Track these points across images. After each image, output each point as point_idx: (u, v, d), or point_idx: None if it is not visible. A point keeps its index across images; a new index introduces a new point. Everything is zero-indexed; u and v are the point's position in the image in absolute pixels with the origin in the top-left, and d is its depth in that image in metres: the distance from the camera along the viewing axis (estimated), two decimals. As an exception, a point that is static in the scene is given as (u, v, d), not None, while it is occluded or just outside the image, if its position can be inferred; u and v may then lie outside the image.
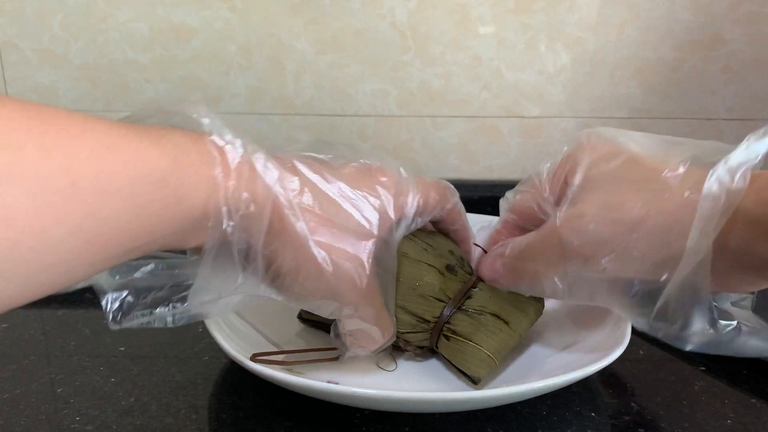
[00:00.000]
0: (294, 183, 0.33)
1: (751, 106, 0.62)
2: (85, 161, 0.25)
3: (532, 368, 0.42)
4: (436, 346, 0.42)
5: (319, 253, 0.33)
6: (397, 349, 0.43)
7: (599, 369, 0.37)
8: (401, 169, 0.39)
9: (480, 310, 0.42)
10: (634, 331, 0.40)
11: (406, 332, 0.42)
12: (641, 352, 0.46)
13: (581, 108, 0.62)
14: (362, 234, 0.35)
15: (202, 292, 0.33)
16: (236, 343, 0.39)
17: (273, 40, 0.59)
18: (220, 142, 0.30)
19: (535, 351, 0.44)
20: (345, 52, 0.60)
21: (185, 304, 0.34)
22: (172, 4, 0.58)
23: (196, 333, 0.46)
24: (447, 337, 0.41)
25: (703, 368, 0.45)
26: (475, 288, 0.43)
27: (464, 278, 0.43)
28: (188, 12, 0.59)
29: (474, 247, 0.45)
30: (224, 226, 0.30)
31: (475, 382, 0.40)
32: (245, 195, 0.30)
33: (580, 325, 0.44)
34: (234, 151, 0.30)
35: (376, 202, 0.36)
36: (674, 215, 0.31)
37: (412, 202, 0.38)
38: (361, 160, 0.38)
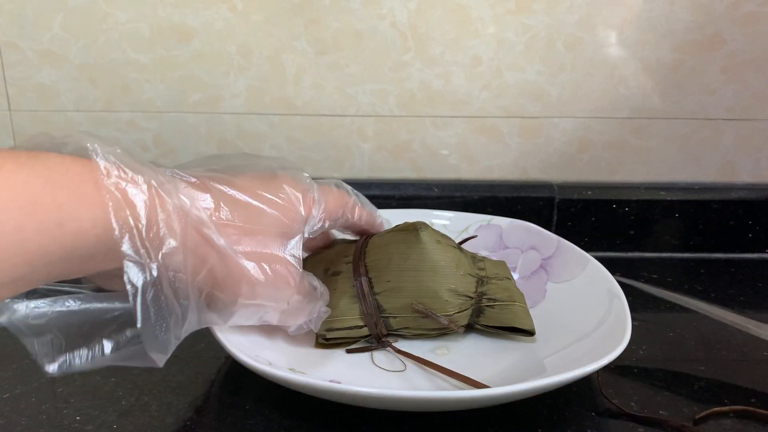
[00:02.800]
0: (207, 201, 0.32)
1: (751, 106, 0.62)
2: None
3: (532, 368, 0.42)
4: (477, 319, 0.45)
5: (249, 264, 0.33)
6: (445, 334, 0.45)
7: (599, 369, 0.37)
8: (304, 174, 0.40)
9: (497, 276, 0.46)
10: (634, 331, 0.40)
11: (456, 312, 0.43)
12: (641, 352, 0.46)
13: (581, 108, 0.62)
14: (285, 234, 0.36)
15: (150, 340, 0.30)
16: (237, 341, 0.39)
17: (273, 40, 0.60)
18: (117, 173, 0.28)
19: (535, 351, 0.44)
20: (345, 52, 0.60)
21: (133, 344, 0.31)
22: (172, 4, 0.58)
23: (197, 333, 0.46)
24: (491, 306, 0.45)
25: (703, 368, 0.45)
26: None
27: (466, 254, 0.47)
28: (188, 12, 0.59)
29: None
30: (150, 270, 0.28)
31: (532, 334, 0.44)
32: (163, 231, 0.29)
33: (580, 325, 0.44)
34: (136, 181, 0.28)
35: (289, 199, 0.37)
36: None
37: (318, 201, 0.39)
38: (264, 165, 0.38)
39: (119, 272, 0.29)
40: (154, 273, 0.29)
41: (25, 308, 0.30)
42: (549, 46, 0.60)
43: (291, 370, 0.39)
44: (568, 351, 0.42)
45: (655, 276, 0.59)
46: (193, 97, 0.61)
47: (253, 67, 0.60)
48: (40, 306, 0.30)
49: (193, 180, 0.33)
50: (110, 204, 0.27)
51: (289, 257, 0.36)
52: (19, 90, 0.60)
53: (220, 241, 0.32)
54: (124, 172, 0.28)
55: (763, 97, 0.62)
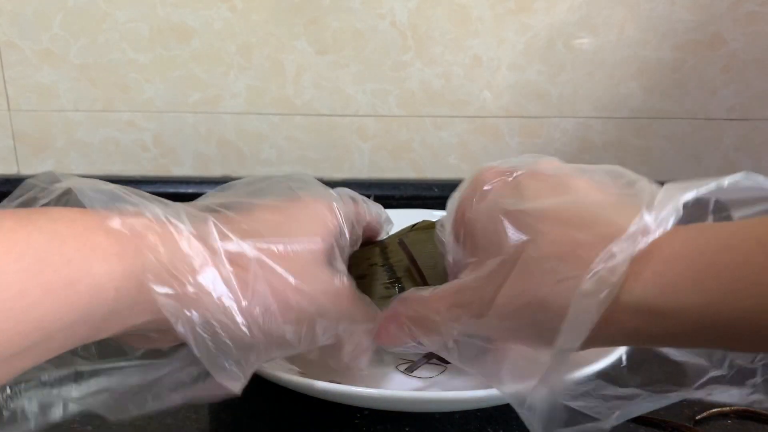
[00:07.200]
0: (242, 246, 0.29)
1: (751, 106, 0.62)
2: None
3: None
4: None
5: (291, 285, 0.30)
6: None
7: (599, 369, 0.37)
8: (322, 186, 0.37)
9: None
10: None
11: None
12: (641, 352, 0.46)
13: (581, 108, 0.62)
14: (326, 252, 0.33)
15: (218, 369, 0.28)
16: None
17: (273, 40, 0.59)
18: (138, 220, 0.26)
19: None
20: (345, 52, 0.60)
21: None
22: (172, 4, 0.58)
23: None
24: None
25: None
26: None
27: None
28: (188, 12, 0.59)
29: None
30: (188, 297, 0.26)
31: None
32: (190, 259, 0.27)
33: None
34: (146, 217, 0.26)
35: (318, 218, 0.34)
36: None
37: (343, 213, 0.36)
38: (281, 187, 0.35)
39: (155, 327, 0.27)
40: (194, 297, 0.26)
41: (76, 392, 0.28)
42: (549, 46, 0.60)
43: (290, 370, 0.39)
44: (568, 351, 0.42)
45: (655, 276, 0.59)
46: (193, 96, 0.61)
47: (253, 67, 0.60)
48: (89, 386, 0.29)
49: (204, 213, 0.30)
50: (126, 250, 0.25)
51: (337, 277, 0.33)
52: (19, 90, 0.60)
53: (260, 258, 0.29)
54: (130, 213, 0.26)
55: (764, 97, 0.62)
